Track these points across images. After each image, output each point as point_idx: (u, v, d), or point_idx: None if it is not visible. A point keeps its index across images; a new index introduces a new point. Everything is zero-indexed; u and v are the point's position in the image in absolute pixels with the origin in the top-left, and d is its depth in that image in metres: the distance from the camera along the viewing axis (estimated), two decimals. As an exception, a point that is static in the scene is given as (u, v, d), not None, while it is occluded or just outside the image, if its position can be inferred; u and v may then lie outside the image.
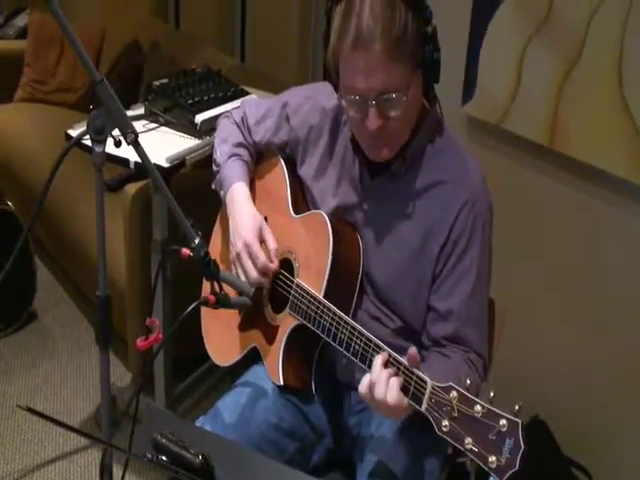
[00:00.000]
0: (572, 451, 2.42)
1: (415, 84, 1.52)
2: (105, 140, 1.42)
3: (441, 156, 1.64)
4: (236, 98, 2.56)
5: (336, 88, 1.58)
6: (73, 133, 2.28)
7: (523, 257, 2.50)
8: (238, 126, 1.89)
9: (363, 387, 1.43)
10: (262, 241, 1.71)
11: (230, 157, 1.84)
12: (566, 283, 2.40)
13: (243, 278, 1.70)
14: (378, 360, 1.42)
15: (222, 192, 1.83)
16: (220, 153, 1.86)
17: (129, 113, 2.49)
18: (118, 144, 1.43)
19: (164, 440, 1.30)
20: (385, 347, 1.46)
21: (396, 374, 1.40)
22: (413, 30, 1.46)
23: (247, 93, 2.63)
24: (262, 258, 1.67)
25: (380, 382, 1.40)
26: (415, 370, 1.39)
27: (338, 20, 1.48)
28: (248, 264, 1.68)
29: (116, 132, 1.43)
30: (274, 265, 1.68)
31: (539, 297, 2.49)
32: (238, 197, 1.78)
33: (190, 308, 1.47)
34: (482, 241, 1.62)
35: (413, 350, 1.40)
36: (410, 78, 1.49)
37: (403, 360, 1.42)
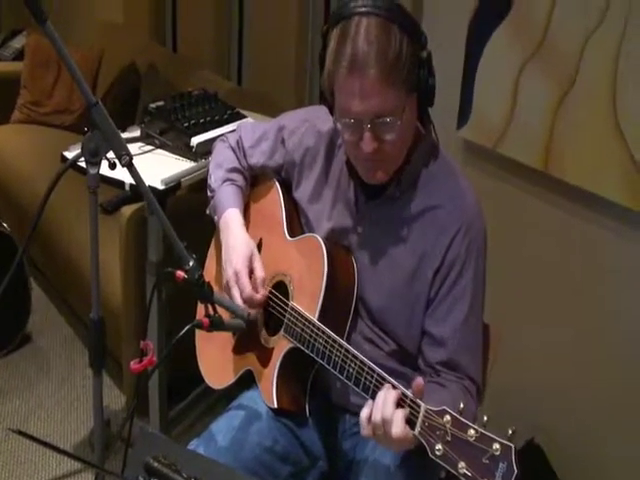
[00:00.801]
0: (567, 475, 2.41)
1: (410, 108, 1.52)
2: (100, 162, 1.43)
3: (436, 180, 1.64)
4: (232, 121, 2.57)
5: (331, 110, 1.58)
6: (69, 155, 2.28)
7: (518, 280, 2.50)
8: (233, 150, 1.90)
9: (363, 418, 1.41)
10: (252, 269, 1.71)
11: (224, 182, 1.84)
12: (561, 307, 2.40)
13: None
14: (389, 396, 1.39)
15: (216, 217, 1.84)
16: (215, 178, 1.86)
17: (125, 135, 2.50)
18: (113, 166, 1.44)
19: (156, 464, 1.29)
20: (379, 370, 1.46)
21: (401, 406, 1.38)
22: (408, 55, 1.47)
23: (243, 116, 2.64)
24: (248, 288, 1.67)
25: (387, 406, 1.38)
26: (409, 393, 1.39)
27: (334, 44, 1.49)
28: (235, 293, 1.69)
29: (111, 154, 1.44)
30: (259, 296, 1.68)
31: (534, 321, 2.48)
32: (231, 223, 1.78)
33: (183, 331, 1.47)
34: (476, 266, 1.63)
35: (420, 382, 1.39)
36: (405, 102, 1.50)
37: (396, 383, 1.42)
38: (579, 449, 2.39)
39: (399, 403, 1.39)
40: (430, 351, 1.64)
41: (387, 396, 1.39)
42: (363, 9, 1.46)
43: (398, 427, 1.36)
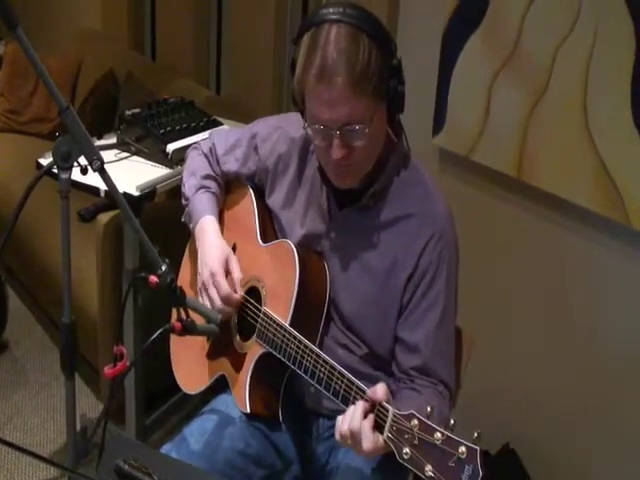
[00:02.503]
0: (542, 479, 2.42)
1: (379, 116, 1.54)
2: (71, 167, 1.43)
3: (408, 189, 1.65)
4: (208, 128, 2.57)
5: (303, 115, 1.60)
6: (44, 162, 2.29)
7: (490, 286, 2.52)
8: (206, 157, 1.90)
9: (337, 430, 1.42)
10: (228, 271, 1.72)
11: (198, 190, 1.85)
12: (534, 312, 2.43)
13: (209, 307, 1.70)
14: (357, 409, 1.40)
15: (191, 225, 1.84)
16: (188, 186, 1.87)
17: (101, 142, 2.51)
18: (84, 171, 1.44)
19: (127, 467, 1.29)
20: (348, 375, 1.47)
21: (371, 410, 1.39)
22: (377, 63, 1.48)
23: (220, 123, 2.65)
24: (225, 288, 1.68)
25: (355, 418, 1.39)
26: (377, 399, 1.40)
27: (304, 52, 1.50)
28: (213, 293, 1.69)
29: (83, 160, 1.44)
30: (237, 295, 1.69)
31: (506, 325, 2.51)
32: (207, 230, 1.79)
33: (155, 335, 1.48)
34: (448, 274, 1.64)
35: (379, 388, 1.40)
36: (374, 110, 1.51)
37: (365, 388, 1.43)
38: (554, 454, 2.41)
39: (368, 410, 1.40)
40: (404, 358, 1.65)
41: (355, 408, 1.40)
42: (334, 17, 1.47)
43: (366, 438, 1.37)
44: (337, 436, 1.42)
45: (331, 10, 1.49)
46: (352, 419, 1.39)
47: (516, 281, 2.47)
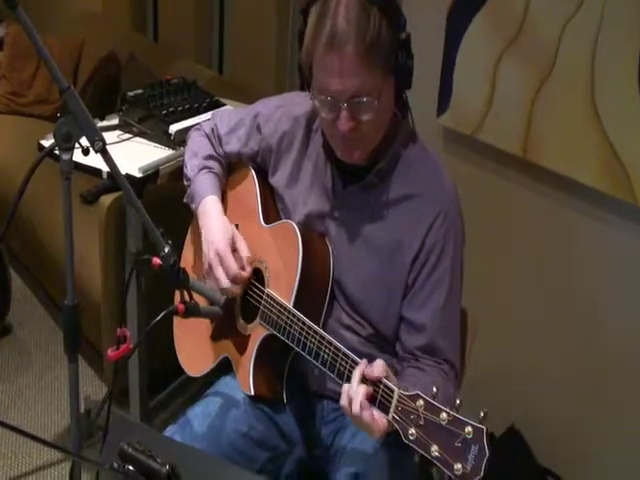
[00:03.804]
0: (547, 460, 2.42)
1: (387, 90, 1.52)
2: (73, 148, 1.41)
3: (414, 168, 1.64)
4: (211, 109, 2.55)
5: (309, 87, 1.58)
6: (46, 143, 2.27)
7: (495, 266, 2.51)
8: (208, 138, 1.89)
9: (342, 401, 1.42)
10: (234, 250, 1.70)
11: (201, 170, 1.83)
12: (538, 292, 2.42)
13: (216, 287, 1.69)
14: (355, 374, 1.41)
15: (194, 205, 1.83)
16: (190, 167, 1.85)
17: (103, 123, 2.49)
18: (86, 152, 1.42)
19: (130, 449, 1.28)
20: (353, 355, 1.46)
21: (375, 393, 1.38)
22: (387, 36, 1.46)
23: (222, 104, 2.63)
24: (234, 266, 1.66)
25: (356, 399, 1.38)
26: (383, 379, 1.39)
27: (313, 21, 1.48)
28: (220, 272, 1.67)
29: (85, 141, 1.42)
30: (246, 273, 1.68)
31: (512, 306, 2.50)
32: (210, 210, 1.77)
33: (159, 317, 1.47)
34: (454, 253, 1.63)
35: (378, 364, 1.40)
36: (382, 83, 1.49)
37: (360, 360, 1.43)
38: (559, 434, 2.41)
39: (372, 387, 1.39)
40: (409, 337, 1.64)
41: (354, 373, 1.40)
42: None
43: (356, 402, 1.36)
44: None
45: None
46: (351, 385, 1.39)
47: (522, 261, 2.46)
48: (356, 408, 1.37)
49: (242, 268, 1.67)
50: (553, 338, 2.39)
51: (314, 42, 1.47)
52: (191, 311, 1.53)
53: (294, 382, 1.71)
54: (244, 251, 1.70)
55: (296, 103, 1.73)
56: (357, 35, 1.43)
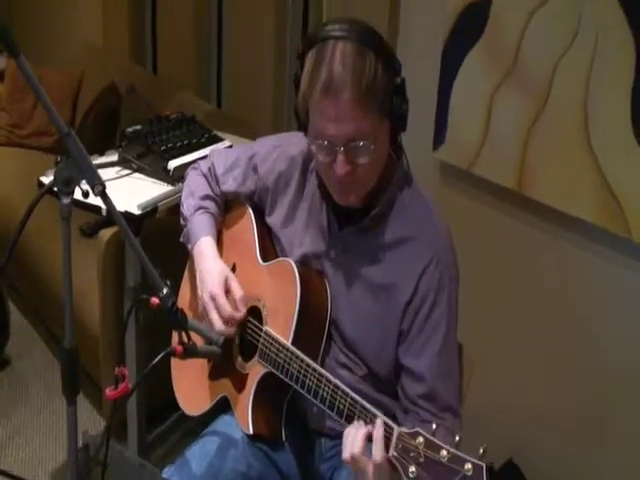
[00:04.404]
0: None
1: (383, 133, 1.54)
2: (72, 192, 1.43)
3: (408, 210, 1.65)
4: (209, 144, 2.57)
5: (305, 130, 1.59)
6: (45, 180, 2.29)
7: (491, 299, 2.52)
8: (205, 177, 1.91)
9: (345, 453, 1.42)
10: (228, 291, 1.71)
11: (197, 210, 1.85)
12: (534, 325, 2.42)
13: (211, 330, 1.70)
14: (358, 434, 1.40)
15: (190, 245, 1.84)
16: (187, 206, 1.87)
17: (103, 160, 2.51)
18: (86, 195, 1.44)
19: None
20: (352, 393, 1.47)
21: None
22: (382, 80, 1.48)
23: (221, 139, 2.65)
24: (227, 308, 1.67)
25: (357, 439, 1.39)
26: (382, 416, 1.40)
27: (309, 66, 1.50)
28: (214, 315, 1.69)
29: (85, 184, 1.44)
30: (240, 314, 1.69)
31: (508, 341, 2.50)
32: (205, 252, 1.79)
33: (156, 360, 1.48)
34: (449, 297, 1.63)
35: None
36: (378, 127, 1.51)
37: (371, 408, 1.43)
38: (556, 469, 2.40)
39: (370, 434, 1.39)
40: (410, 385, 1.64)
41: (356, 434, 1.40)
42: (339, 33, 1.48)
43: (370, 461, 1.36)
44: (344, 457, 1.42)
45: (337, 26, 1.49)
46: (353, 445, 1.38)
47: (517, 294, 2.47)
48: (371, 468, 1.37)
49: (236, 309, 1.69)
50: (551, 373, 2.39)
51: (310, 88, 1.48)
52: (189, 352, 1.54)
53: (292, 420, 1.71)
54: (237, 292, 1.71)
55: (292, 143, 1.75)
56: (353, 81, 1.44)
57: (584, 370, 2.29)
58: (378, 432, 1.38)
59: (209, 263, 1.76)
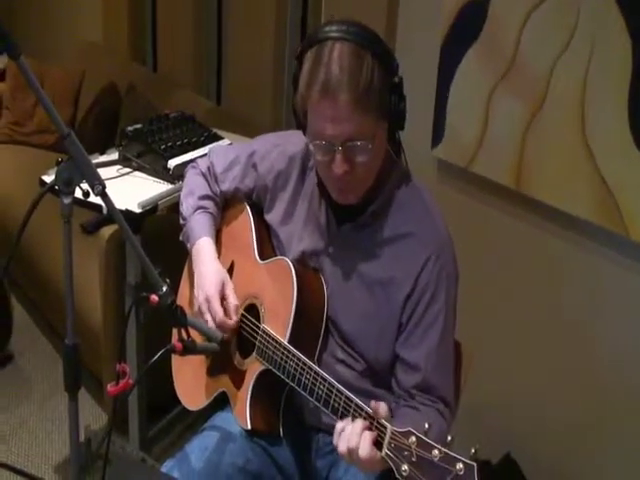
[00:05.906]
0: (543, 489, 2.44)
1: (381, 132, 1.56)
2: (73, 192, 1.45)
3: (407, 207, 1.67)
4: (209, 143, 2.59)
5: (304, 130, 1.61)
6: (47, 179, 2.31)
7: (489, 297, 2.53)
8: (204, 176, 1.92)
9: (335, 437, 1.44)
10: (224, 297, 1.73)
11: (196, 210, 1.87)
12: (532, 322, 2.44)
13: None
14: (356, 426, 1.42)
15: (189, 245, 1.86)
16: (186, 206, 1.89)
17: (103, 158, 2.53)
18: (86, 195, 1.46)
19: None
20: (347, 392, 1.49)
21: (369, 428, 1.40)
22: (379, 82, 1.50)
23: (220, 137, 2.66)
24: (220, 314, 1.70)
25: (354, 434, 1.40)
26: (375, 415, 1.41)
27: (307, 68, 1.52)
28: (208, 318, 1.71)
29: (85, 184, 1.46)
30: (232, 322, 1.71)
31: (505, 336, 2.52)
32: (203, 252, 1.81)
33: (156, 357, 1.50)
34: (447, 292, 1.65)
35: (378, 405, 1.41)
36: (376, 127, 1.53)
37: (365, 406, 1.45)
38: (554, 464, 2.42)
39: (367, 427, 1.41)
40: (404, 377, 1.66)
41: (354, 426, 1.41)
42: (337, 34, 1.49)
43: (365, 450, 1.38)
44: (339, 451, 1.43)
45: (334, 28, 1.51)
46: (351, 436, 1.40)
47: (515, 292, 2.48)
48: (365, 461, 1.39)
49: (229, 317, 1.71)
50: (548, 367, 2.41)
51: (308, 89, 1.50)
52: (189, 349, 1.56)
53: (290, 415, 1.73)
54: (232, 300, 1.73)
55: (292, 142, 1.76)
56: (350, 82, 1.46)
57: (581, 365, 2.31)
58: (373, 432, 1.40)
59: (207, 264, 1.78)
